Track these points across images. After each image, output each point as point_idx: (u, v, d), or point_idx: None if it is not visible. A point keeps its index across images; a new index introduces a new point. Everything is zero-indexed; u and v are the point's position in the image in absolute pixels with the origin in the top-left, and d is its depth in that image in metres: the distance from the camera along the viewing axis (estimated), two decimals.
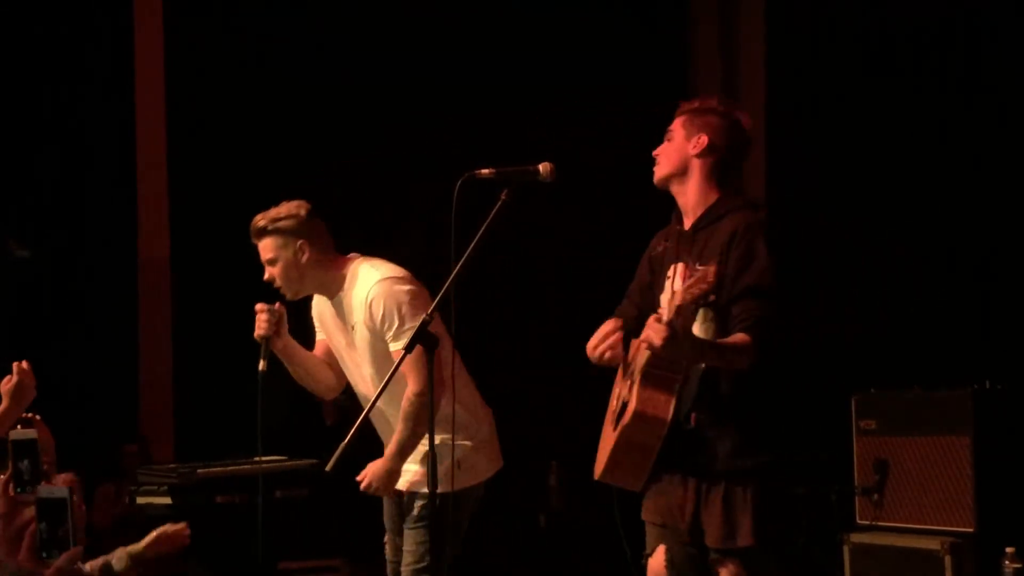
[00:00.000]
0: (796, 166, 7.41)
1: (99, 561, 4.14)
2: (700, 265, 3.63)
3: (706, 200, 3.78)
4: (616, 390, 3.87)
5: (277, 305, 4.39)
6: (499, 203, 3.78)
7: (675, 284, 3.70)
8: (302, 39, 7.10)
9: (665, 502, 3.76)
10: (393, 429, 4.37)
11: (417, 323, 3.86)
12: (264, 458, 5.73)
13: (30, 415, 3.97)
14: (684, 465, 3.68)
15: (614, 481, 3.76)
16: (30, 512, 3.10)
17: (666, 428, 3.59)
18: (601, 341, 3.78)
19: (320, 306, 4.51)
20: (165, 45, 6.76)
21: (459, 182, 4.05)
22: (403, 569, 4.40)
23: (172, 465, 5.56)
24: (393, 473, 4.28)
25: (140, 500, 5.35)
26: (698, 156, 3.77)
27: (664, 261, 3.83)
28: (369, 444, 4.65)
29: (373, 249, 4.57)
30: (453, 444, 4.16)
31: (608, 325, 3.82)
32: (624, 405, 3.71)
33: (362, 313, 4.29)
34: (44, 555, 2.97)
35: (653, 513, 3.80)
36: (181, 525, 4.55)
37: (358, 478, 4.31)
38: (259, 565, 4.82)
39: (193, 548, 4.74)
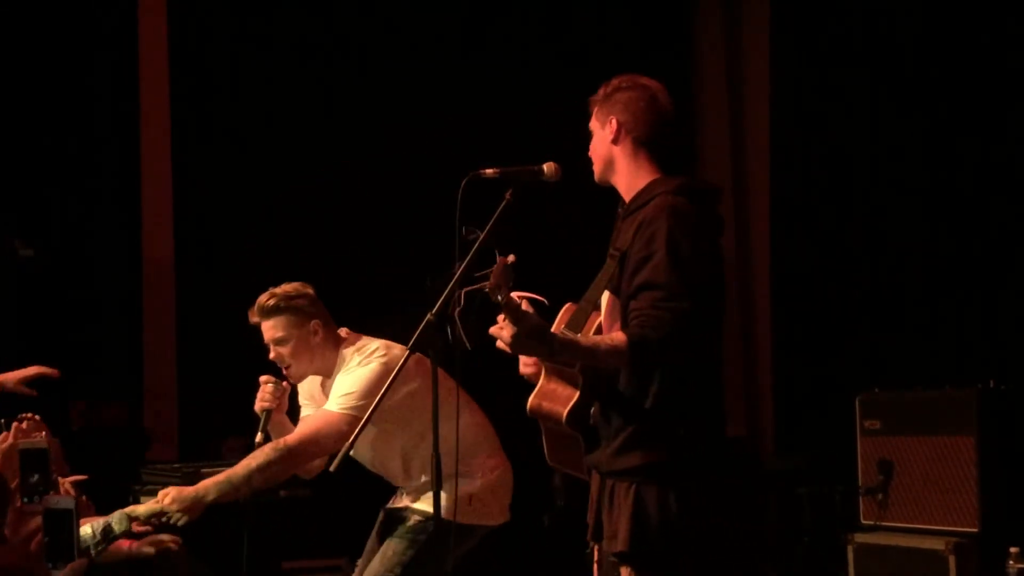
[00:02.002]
0: (800, 164, 7.41)
1: (100, 522, 4.13)
2: (613, 255, 3.47)
3: (635, 185, 3.55)
4: None
5: (285, 383, 4.37)
6: (503, 203, 3.77)
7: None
8: (306, 41, 7.11)
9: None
10: (390, 472, 4.39)
11: (361, 405, 4.01)
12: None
13: (31, 416, 3.97)
14: (590, 460, 3.51)
15: (563, 468, 3.64)
16: (37, 522, 3.10)
17: (563, 423, 3.42)
18: (530, 364, 3.60)
19: (308, 383, 4.50)
20: (169, 46, 6.77)
21: (463, 182, 4.05)
22: (367, 571, 4.32)
23: (176, 464, 5.55)
24: (199, 501, 4.15)
25: (144, 500, 5.33)
26: (614, 142, 3.58)
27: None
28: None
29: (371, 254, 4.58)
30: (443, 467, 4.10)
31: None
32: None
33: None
34: (50, 565, 2.97)
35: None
36: (173, 538, 4.56)
37: (161, 493, 4.20)
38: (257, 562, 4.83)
39: (196, 547, 4.74)
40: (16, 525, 3.20)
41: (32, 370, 4.63)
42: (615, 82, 3.67)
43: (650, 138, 3.57)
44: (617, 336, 3.29)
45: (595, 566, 3.67)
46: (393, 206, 7.10)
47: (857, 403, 5.94)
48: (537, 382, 3.58)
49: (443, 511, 3.76)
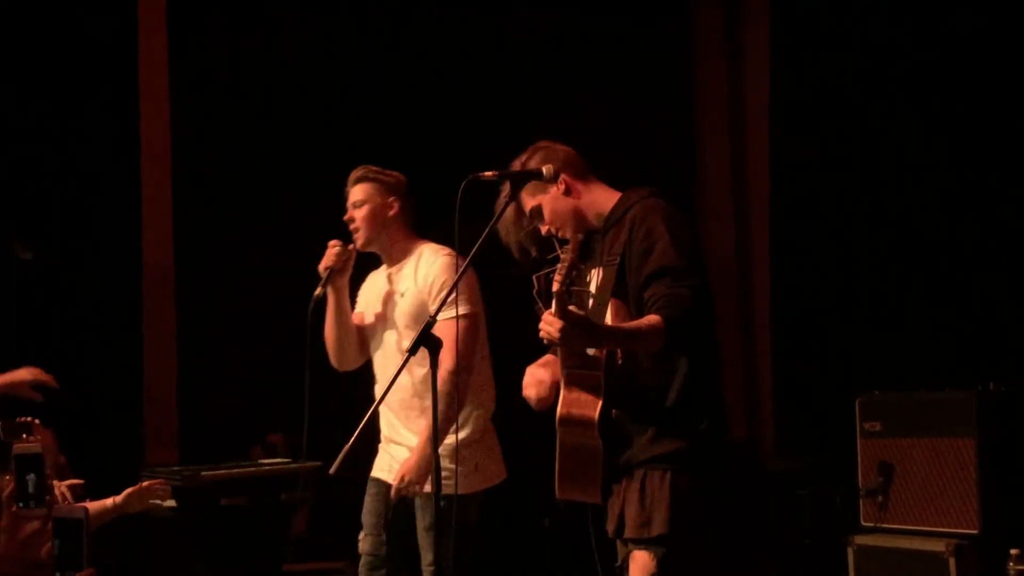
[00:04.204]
0: (800, 166, 7.41)
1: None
2: (610, 262, 3.62)
3: (604, 209, 3.74)
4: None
5: (351, 246, 4.58)
6: (503, 206, 3.79)
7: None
8: (306, 45, 7.11)
9: (611, 511, 3.68)
10: (403, 416, 4.47)
11: (469, 307, 4.33)
12: (267, 460, 5.75)
13: (29, 419, 3.97)
14: (616, 464, 3.60)
15: (573, 496, 3.66)
16: (32, 526, 3.10)
17: (595, 427, 3.52)
18: (534, 388, 3.73)
19: (366, 284, 4.70)
20: (169, 51, 6.76)
21: (462, 184, 4.05)
22: (424, 568, 4.45)
23: (176, 467, 5.55)
24: (427, 462, 4.24)
25: None
26: (568, 193, 3.75)
27: (583, 272, 3.74)
28: (371, 446, 4.67)
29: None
30: (457, 444, 4.27)
31: (540, 372, 3.75)
32: None
33: (420, 281, 4.47)
34: (58, 574, 2.97)
35: (608, 524, 3.71)
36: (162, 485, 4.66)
37: (394, 483, 4.36)
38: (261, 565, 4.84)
39: (197, 550, 4.75)
40: (13, 530, 3.20)
41: (24, 373, 4.63)
42: (517, 163, 3.83)
43: (587, 169, 3.81)
44: (652, 318, 3.45)
45: None
46: None
47: (857, 405, 5.94)
48: (536, 406, 3.71)
49: (460, 488, 4.19)
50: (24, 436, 3.67)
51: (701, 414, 3.57)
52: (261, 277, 6.85)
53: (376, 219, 4.59)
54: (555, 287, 3.34)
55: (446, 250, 4.53)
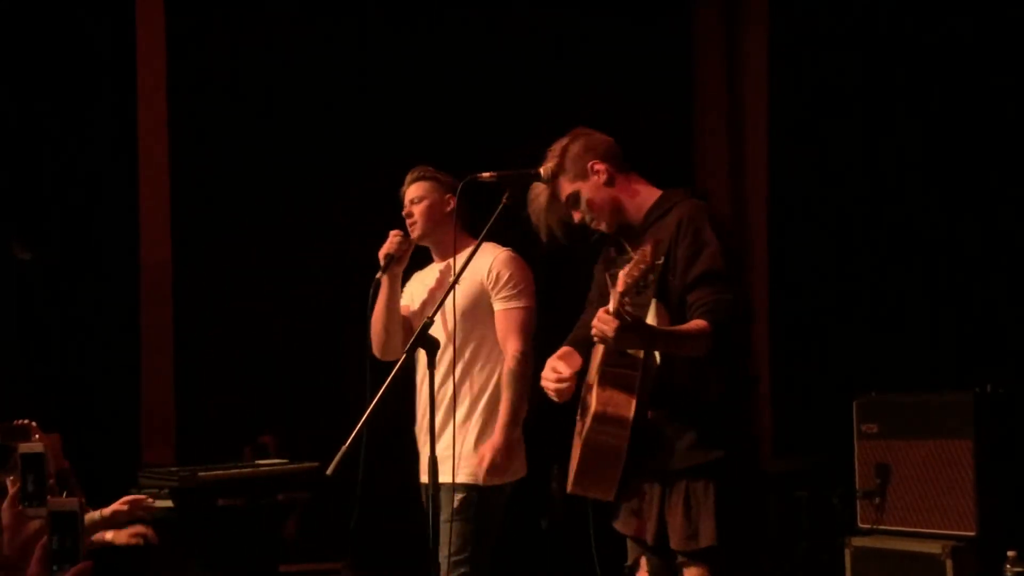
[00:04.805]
0: (798, 167, 7.40)
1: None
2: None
3: (644, 206, 3.70)
4: (581, 404, 3.77)
5: (412, 237, 4.74)
6: (500, 206, 3.78)
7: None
8: (305, 45, 7.10)
9: (632, 512, 3.67)
10: (457, 401, 4.55)
11: (531, 301, 4.54)
12: (264, 461, 5.75)
13: (26, 422, 3.96)
14: (647, 466, 3.57)
15: (586, 492, 3.63)
16: (33, 525, 3.10)
17: (629, 427, 3.47)
18: (556, 381, 3.69)
19: (413, 280, 4.86)
20: (167, 50, 6.76)
21: (460, 185, 4.06)
22: (443, 560, 4.49)
23: (173, 468, 5.55)
24: (510, 443, 4.48)
25: None
26: (609, 183, 3.72)
27: (618, 263, 3.70)
28: (370, 447, 4.66)
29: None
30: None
31: (560, 365, 3.72)
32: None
33: (478, 274, 4.58)
34: (55, 568, 2.97)
35: (623, 525, 3.72)
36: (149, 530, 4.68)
37: (481, 464, 4.44)
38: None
39: (194, 550, 4.74)
40: (14, 531, 3.20)
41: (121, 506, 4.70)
42: (558, 146, 3.80)
43: (625, 162, 3.76)
44: (698, 323, 3.45)
45: None
46: (392, 208, 7.09)
47: (855, 406, 5.95)
48: (559, 398, 3.69)
49: (477, 478, 4.41)
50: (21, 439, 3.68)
51: (739, 421, 3.57)
52: (260, 277, 6.85)
53: (433, 214, 4.74)
54: (619, 286, 3.31)
55: (507, 248, 4.68)
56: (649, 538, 3.62)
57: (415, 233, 4.75)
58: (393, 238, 4.69)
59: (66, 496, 4.10)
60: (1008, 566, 5.06)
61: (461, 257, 4.53)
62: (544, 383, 3.71)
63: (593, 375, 3.61)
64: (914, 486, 5.67)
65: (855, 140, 7.10)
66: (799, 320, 7.37)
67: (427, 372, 3.73)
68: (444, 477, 4.39)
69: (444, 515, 4.46)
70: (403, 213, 4.81)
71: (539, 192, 3.78)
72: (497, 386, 4.56)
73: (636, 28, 7.76)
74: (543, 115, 7.23)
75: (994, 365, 6.11)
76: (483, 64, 7.31)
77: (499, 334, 4.60)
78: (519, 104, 7.23)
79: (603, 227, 3.74)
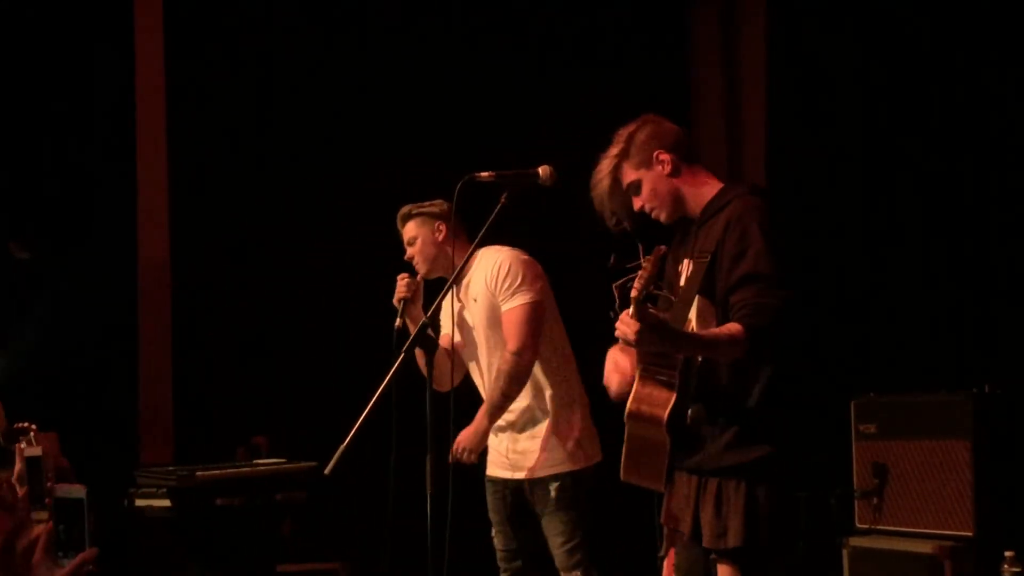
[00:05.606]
0: (796, 166, 7.40)
1: None
2: (700, 258, 3.52)
3: (704, 198, 3.63)
4: None
5: (418, 277, 4.84)
6: (498, 206, 3.79)
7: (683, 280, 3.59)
8: (302, 43, 7.10)
9: (672, 505, 3.67)
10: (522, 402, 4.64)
11: (529, 296, 4.53)
12: (262, 460, 5.75)
13: (27, 424, 3.97)
14: (686, 463, 3.57)
15: (637, 481, 3.62)
16: (37, 530, 3.09)
17: (663, 426, 3.44)
18: (614, 373, 3.68)
19: (443, 308, 4.88)
20: (165, 48, 6.76)
21: (459, 185, 4.06)
22: (556, 552, 4.63)
23: (171, 467, 5.55)
24: (482, 433, 4.59)
25: (139, 503, 5.34)
26: (673, 174, 3.64)
27: (677, 259, 3.68)
28: (368, 447, 4.66)
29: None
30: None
31: (621, 357, 3.69)
32: None
33: (485, 283, 4.65)
34: (60, 554, 2.97)
35: (663, 515, 3.72)
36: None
37: (453, 451, 4.53)
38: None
39: (192, 550, 4.74)
40: (14, 535, 3.20)
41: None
42: (625, 131, 3.71)
43: (692, 152, 3.67)
44: (733, 327, 3.38)
45: (665, 570, 3.76)
46: (391, 209, 7.08)
47: (852, 407, 5.94)
48: (615, 396, 3.66)
49: (568, 465, 4.55)
50: (22, 440, 3.68)
51: (779, 425, 3.51)
52: (258, 277, 6.85)
53: (429, 249, 4.84)
54: (634, 292, 3.27)
55: (505, 248, 4.72)
56: (686, 530, 3.63)
57: (420, 272, 4.87)
58: (400, 283, 4.78)
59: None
60: (1006, 566, 5.06)
61: (468, 273, 4.67)
62: (607, 380, 3.72)
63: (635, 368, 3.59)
64: (912, 486, 5.66)
65: (853, 142, 7.09)
66: (797, 320, 7.36)
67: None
68: (518, 473, 4.68)
69: (542, 508, 4.62)
70: (405, 258, 4.91)
71: (602, 176, 3.68)
72: (556, 377, 4.65)
73: (635, 29, 7.77)
74: (543, 115, 7.27)
75: (992, 365, 6.11)
76: (483, 64, 7.31)
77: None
78: (519, 104, 7.24)
79: (663, 217, 3.68)
